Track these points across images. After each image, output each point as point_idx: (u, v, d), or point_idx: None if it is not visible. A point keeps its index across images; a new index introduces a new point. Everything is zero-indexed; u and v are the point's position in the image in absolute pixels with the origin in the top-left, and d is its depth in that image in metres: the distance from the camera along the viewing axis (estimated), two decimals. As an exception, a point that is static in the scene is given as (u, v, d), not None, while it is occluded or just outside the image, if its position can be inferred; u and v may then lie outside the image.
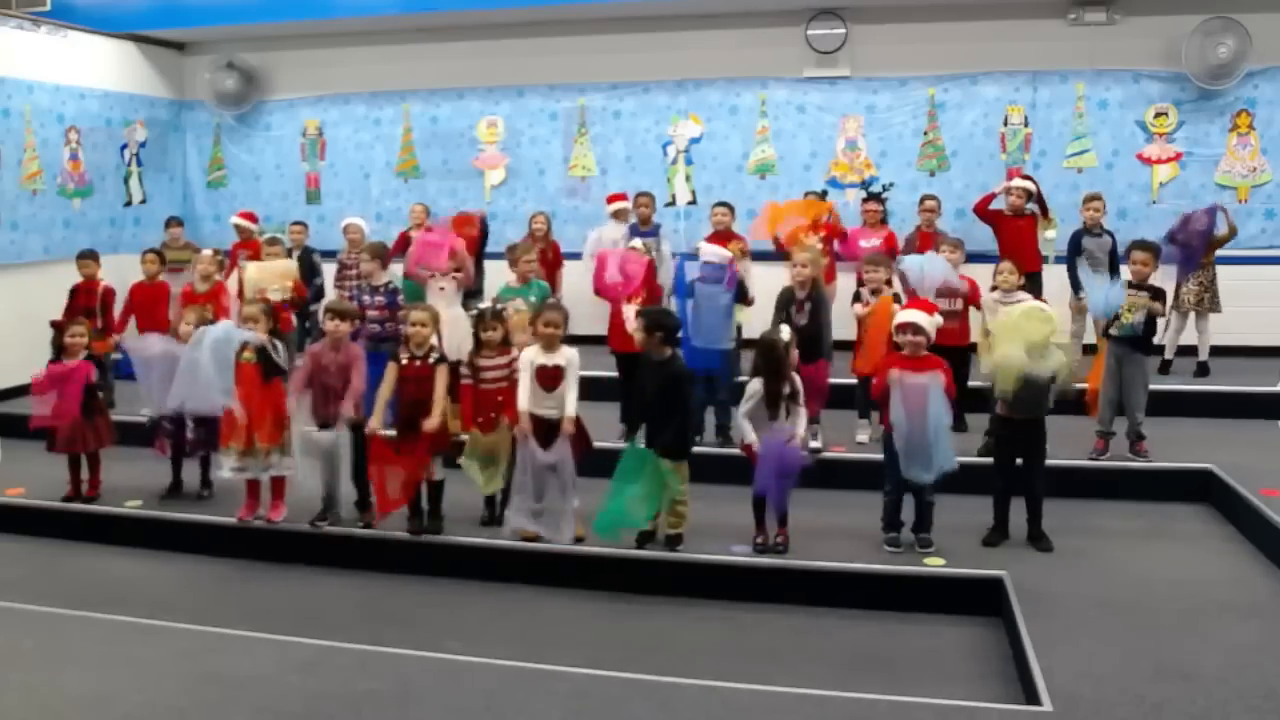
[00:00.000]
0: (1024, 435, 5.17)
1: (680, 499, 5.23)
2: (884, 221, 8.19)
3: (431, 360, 5.44)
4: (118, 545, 5.93)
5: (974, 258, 7.36)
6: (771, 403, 5.13)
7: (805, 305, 6.20)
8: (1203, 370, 7.81)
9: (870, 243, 7.80)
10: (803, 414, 5.22)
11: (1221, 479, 5.81)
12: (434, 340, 5.53)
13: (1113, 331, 6.05)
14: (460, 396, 5.65)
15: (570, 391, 5.34)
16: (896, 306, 5.68)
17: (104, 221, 9.74)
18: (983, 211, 7.93)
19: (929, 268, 6.42)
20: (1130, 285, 6.12)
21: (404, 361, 5.46)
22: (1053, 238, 7.57)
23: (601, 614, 4.96)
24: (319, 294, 8.76)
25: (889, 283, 6.55)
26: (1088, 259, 7.47)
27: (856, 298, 6.55)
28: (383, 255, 7.27)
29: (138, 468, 6.13)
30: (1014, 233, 7.65)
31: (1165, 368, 7.89)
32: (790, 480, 5.06)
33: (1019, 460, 5.25)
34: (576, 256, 8.97)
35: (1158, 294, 6.11)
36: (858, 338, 6.48)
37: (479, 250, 8.38)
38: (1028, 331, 5.00)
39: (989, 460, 5.52)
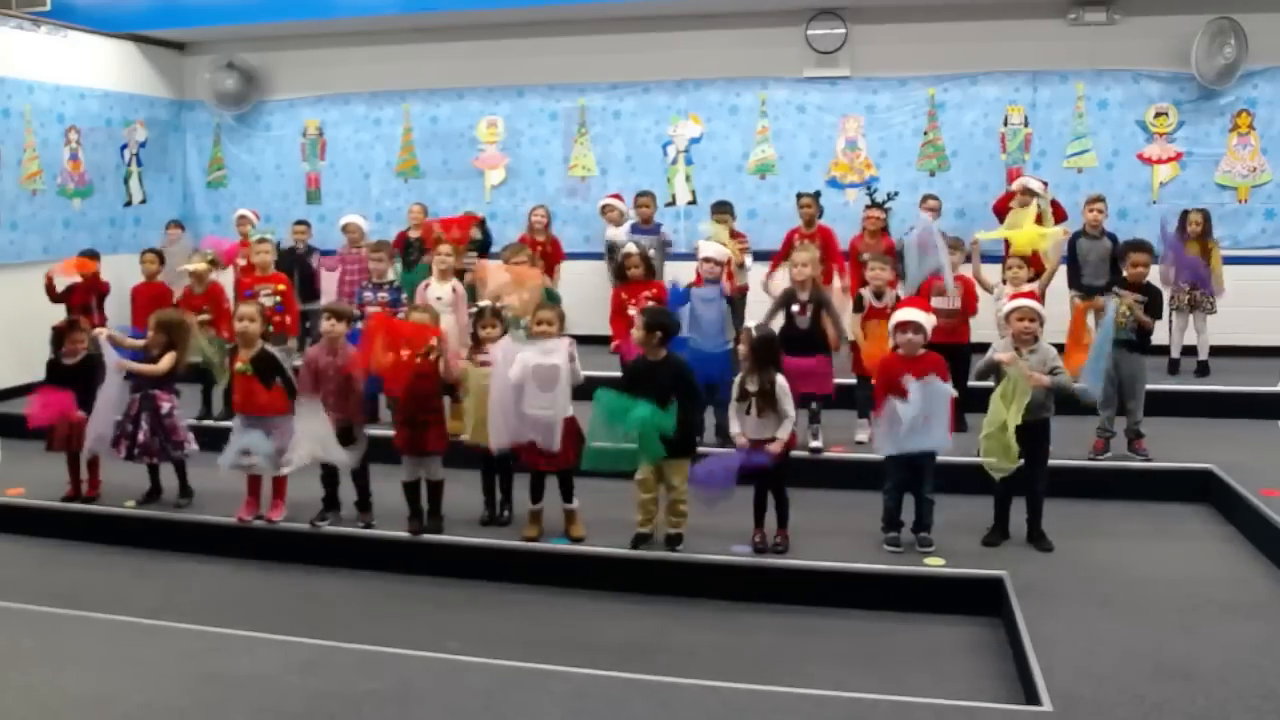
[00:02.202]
0: (1029, 436, 5.16)
1: (681, 499, 5.22)
2: (885, 230, 8.14)
3: (433, 359, 5.43)
4: (118, 545, 5.93)
5: (973, 257, 7.35)
6: (741, 395, 5.11)
7: (808, 307, 6.19)
8: (1203, 370, 7.81)
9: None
10: (786, 418, 5.08)
11: (1221, 479, 5.81)
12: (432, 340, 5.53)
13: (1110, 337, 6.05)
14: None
15: (565, 385, 5.21)
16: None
17: (104, 221, 9.74)
18: (1000, 209, 7.94)
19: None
20: (1126, 287, 6.12)
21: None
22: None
23: (601, 614, 4.96)
24: (313, 290, 8.82)
25: (892, 284, 6.56)
26: (1082, 263, 7.43)
27: (858, 303, 6.54)
28: (389, 252, 7.32)
29: (137, 468, 6.11)
30: None
31: (1174, 367, 7.89)
32: (730, 475, 4.95)
33: (1022, 460, 5.24)
34: (578, 256, 9.01)
35: (1154, 294, 6.11)
36: (855, 339, 6.50)
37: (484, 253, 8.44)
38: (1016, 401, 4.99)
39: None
